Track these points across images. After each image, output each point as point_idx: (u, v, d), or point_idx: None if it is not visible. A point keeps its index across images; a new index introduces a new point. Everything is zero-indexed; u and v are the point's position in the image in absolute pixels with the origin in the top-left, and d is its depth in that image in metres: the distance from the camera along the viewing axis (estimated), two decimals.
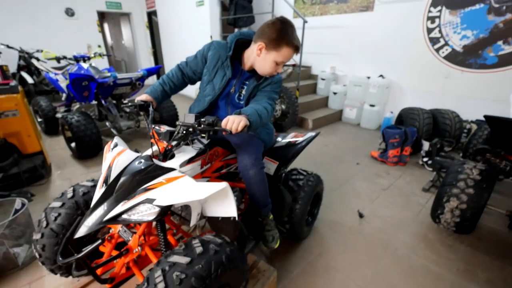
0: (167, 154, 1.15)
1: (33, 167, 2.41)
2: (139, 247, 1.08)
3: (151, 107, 1.23)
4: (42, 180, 2.50)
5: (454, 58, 3.57)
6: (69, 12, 6.39)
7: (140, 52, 7.89)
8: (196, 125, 1.05)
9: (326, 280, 1.56)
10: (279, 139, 1.74)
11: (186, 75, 1.42)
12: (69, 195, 1.21)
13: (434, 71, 3.81)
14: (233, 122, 1.01)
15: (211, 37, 5.21)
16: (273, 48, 1.18)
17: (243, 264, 1.00)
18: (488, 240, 1.92)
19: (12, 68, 5.28)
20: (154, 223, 1.16)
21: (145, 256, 1.12)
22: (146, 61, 7.96)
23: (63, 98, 3.86)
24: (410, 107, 3.50)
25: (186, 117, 1.08)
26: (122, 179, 1.00)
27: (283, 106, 4.13)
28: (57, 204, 1.18)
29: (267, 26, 1.18)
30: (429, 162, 2.98)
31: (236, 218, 1.03)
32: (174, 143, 1.14)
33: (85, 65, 3.46)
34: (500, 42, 3.18)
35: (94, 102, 3.47)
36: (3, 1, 5.52)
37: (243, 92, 1.34)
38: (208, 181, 1.29)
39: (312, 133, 1.80)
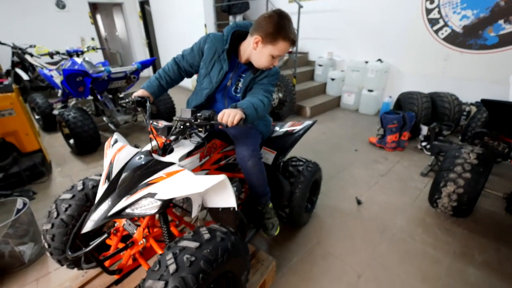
0: (166, 149, 1.16)
1: (33, 165, 2.42)
2: (144, 239, 1.12)
3: (148, 102, 1.24)
4: (43, 178, 2.52)
5: (454, 39, 3.50)
6: (60, 4, 6.22)
7: (134, 43, 7.75)
8: (193, 120, 1.06)
9: (324, 267, 1.60)
10: (276, 128, 1.76)
11: (183, 68, 1.41)
12: (79, 187, 1.25)
13: (433, 54, 3.74)
14: (229, 116, 1.02)
15: (205, 25, 5.10)
16: (269, 42, 1.17)
17: (245, 253, 1.05)
18: (485, 222, 1.95)
19: (6, 65, 5.22)
20: (157, 216, 1.20)
21: (150, 248, 1.17)
22: (141, 53, 7.83)
23: (59, 94, 3.83)
24: (408, 91, 3.46)
25: (183, 112, 1.09)
26: (123, 175, 1.03)
27: (280, 95, 4.09)
28: (68, 196, 1.21)
29: (263, 19, 1.16)
30: (428, 146, 2.98)
31: (236, 208, 1.06)
32: (172, 137, 1.15)
33: (78, 60, 3.40)
34: (501, 21, 3.10)
35: (90, 97, 3.44)
36: None
37: (240, 85, 1.34)
38: (207, 173, 1.31)
39: (309, 121, 1.81)
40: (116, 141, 1.21)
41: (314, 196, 1.99)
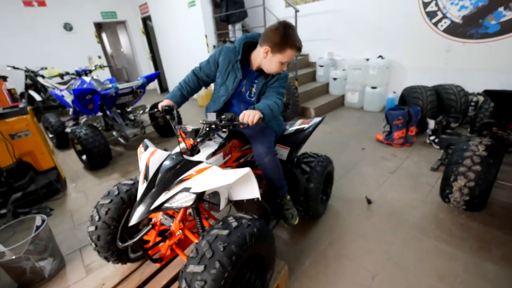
0: (194, 150, 1.30)
1: (48, 182, 2.52)
2: (180, 231, 1.25)
3: (174, 110, 1.39)
4: (58, 194, 2.62)
5: (454, 30, 3.46)
6: (68, 27, 6.49)
7: (139, 58, 7.96)
8: (218, 122, 1.21)
9: (338, 269, 1.59)
10: (287, 127, 1.88)
11: (201, 78, 1.57)
12: (115, 193, 1.39)
13: (434, 46, 3.70)
14: (249, 116, 1.17)
15: (205, 36, 5.20)
16: (277, 51, 1.31)
17: (270, 236, 1.16)
18: (500, 215, 1.90)
19: (20, 88, 5.45)
20: (189, 210, 1.32)
21: (184, 240, 1.30)
22: (145, 67, 8.03)
23: (70, 113, 3.98)
24: (412, 86, 3.42)
25: (209, 116, 1.25)
26: (160, 174, 1.16)
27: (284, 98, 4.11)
28: (106, 201, 1.35)
29: (271, 31, 1.30)
30: (436, 140, 2.93)
31: (260, 198, 1.18)
32: (199, 139, 1.29)
33: (87, 79, 3.54)
34: (501, 9, 3.05)
35: (99, 113, 3.56)
36: (4, 24, 5.67)
37: (253, 90, 1.49)
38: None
39: (318, 118, 1.92)
40: (147, 147, 1.37)
41: (328, 187, 2.09)
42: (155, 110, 1.36)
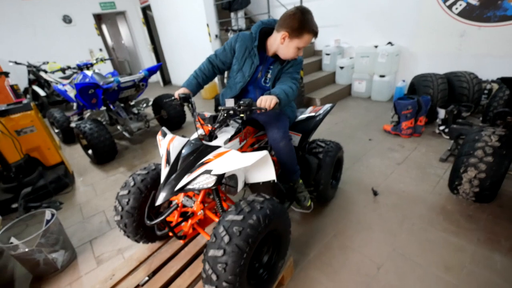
0: (212, 135, 1.35)
1: (57, 177, 2.56)
2: (201, 211, 1.32)
3: (191, 98, 1.41)
4: (67, 189, 2.66)
5: (470, 13, 3.28)
6: (67, 19, 6.43)
7: (140, 50, 7.88)
8: (237, 108, 1.24)
9: (343, 260, 1.60)
10: (297, 114, 1.92)
11: (216, 66, 1.58)
12: (131, 183, 1.45)
13: (447, 31, 3.53)
14: (266, 101, 1.22)
15: (207, 25, 5.10)
16: (295, 36, 1.34)
17: (284, 213, 1.23)
18: (510, 206, 1.86)
19: (24, 83, 5.49)
20: (208, 192, 1.43)
21: (204, 219, 1.39)
22: (147, 58, 7.96)
23: (74, 107, 3.99)
24: (422, 73, 3.29)
25: (227, 102, 1.28)
26: (181, 159, 1.22)
27: None
28: (125, 192, 1.43)
29: (288, 17, 1.33)
30: (446, 130, 2.86)
31: (275, 180, 1.24)
32: (216, 125, 1.34)
33: (89, 73, 3.52)
34: None
35: (103, 108, 3.56)
36: (3, 19, 5.64)
37: (269, 75, 1.52)
38: None
39: (328, 105, 1.97)
40: (165, 134, 1.42)
41: (338, 172, 2.15)
42: (172, 98, 1.42)
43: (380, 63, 4.11)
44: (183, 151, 1.26)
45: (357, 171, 2.47)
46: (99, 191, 2.60)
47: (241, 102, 1.22)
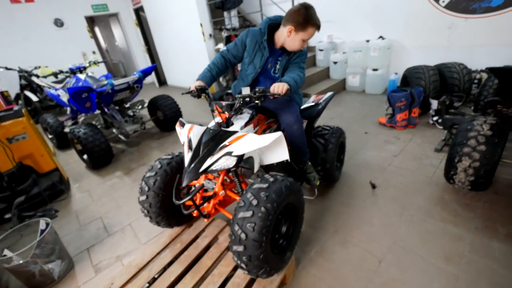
0: (229, 122, 1.47)
1: (51, 184, 2.52)
2: (223, 191, 1.43)
3: (207, 89, 1.54)
4: (63, 195, 2.63)
5: (456, 5, 3.32)
6: (58, 23, 6.34)
7: (134, 51, 7.81)
8: (253, 94, 1.36)
9: (344, 255, 1.60)
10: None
11: (228, 60, 1.72)
12: (158, 166, 1.58)
13: (436, 23, 3.57)
14: (279, 87, 1.37)
15: (201, 24, 5.06)
16: (300, 29, 1.49)
17: (299, 189, 1.37)
18: (506, 193, 1.89)
19: (16, 89, 5.40)
20: (227, 175, 1.57)
21: (223, 201, 1.53)
22: (142, 60, 7.89)
23: (68, 112, 3.94)
24: (414, 66, 3.32)
25: (243, 90, 1.43)
26: (203, 144, 1.34)
27: None
28: (152, 173, 1.56)
29: (294, 13, 1.48)
30: (440, 121, 2.88)
31: (289, 160, 1.39)
32: (233, 112, 1.46)
33: (82, 76, 3.48)
34: None
35: (97, 111, 3.52)
36: None
37: (278, 66, 1.67)
38: None
39: (330, 93, 2.15)
40: (183, 124, 1.54)
41: (342, 155, 2.32)
42: (190, 90, 1.54)
43: (372, 57, 4.13)
44: (204, 137, 1.37)
45: (355, 165, 2.48)
46: (95, 197, 2.57)
47: (257, 89, 1.35)
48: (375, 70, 4.17)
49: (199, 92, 1.50)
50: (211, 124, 1.54)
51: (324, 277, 1.49)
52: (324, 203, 2.04)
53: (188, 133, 1.43)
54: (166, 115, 3.73)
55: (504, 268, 1.40)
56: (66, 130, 3.37)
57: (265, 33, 1.60)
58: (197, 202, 1.41)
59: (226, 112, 1.47)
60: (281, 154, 1.38)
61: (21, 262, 1.49)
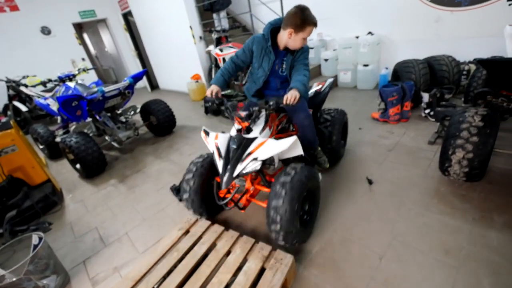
0: (249, 129, 1.67)
1: (44, 196, 2.46)
2: (252, 186, 1.76)
3: (225, 102, 1.82)
4: (56, 207, 2.57)
5: None
6: (46, 31, 6.22)
7: (125, 56, 7.71)
8: (268, 107, 1.64)
9: (344, 254, 1.59)
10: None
11: (238, 64, 1.91)
12: (194, 169, 1.82)
13: (423, 18, 3.61)
14: (291, 97, 1.54)
15: (190, 27, 5.03)
16: (300, 30, 1.63)
17: (315, 173, 1.67)
18: (500, 182, 1.91)
19: (4, 100, 5.29)
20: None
21: (252, 194, 1.79)
22: (132, 65, 7.80)
23: (58, 121, 3.87)
24: (404, 60, 3.35)
25: (259, 104, 1.69)
26: (232, 152, 1.57)
27: None
28: (190, 176, 1.80)
29: (291, 16, 1.63)
30: (431, 113, 2.90)
31: (303, 154, 1.69)
32: (251, 122, 1.68)
33: (71, 84, 3.41)
34: None
35: (89, 119, 3.46)
36: None
37: (284, 66, 1.85)
38: (275, 138, 1.80)
39: (330, 79, 2.35)
40: (207, 132, 1.76)
41: (345, 134, 2.61)
42: (214, 100, 1.80)
43: (362, 53, 4.15)
44: (231, 145, 1.60)
45: (351, 161, 2.48)
46: (90, 207, 2.52)
47: (271, 103, 1.59)
48: (365, 65, 4.19)
49: (217, 106, 1.68)
50: (232, 131, 1.74)
51: (326, 278, 1.48)
52: (322, 201, 2.03)
53: (215, 142, 1.64)
54: (160, 120, 3.69)
55: (502, 257, 1.41)
56: (57, 139, 3.31)
57: (268, 39, 1.76)
58: (234, 197, 1.68)
59: (246, 121, 1.67)
60: (296, 151, 1.65)
61: (14, 279, 1.44)
